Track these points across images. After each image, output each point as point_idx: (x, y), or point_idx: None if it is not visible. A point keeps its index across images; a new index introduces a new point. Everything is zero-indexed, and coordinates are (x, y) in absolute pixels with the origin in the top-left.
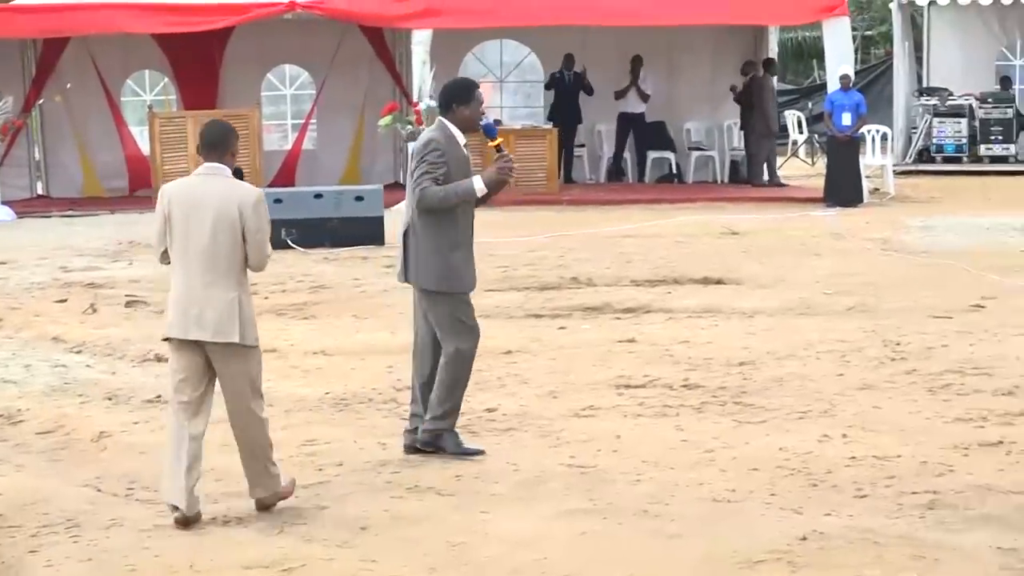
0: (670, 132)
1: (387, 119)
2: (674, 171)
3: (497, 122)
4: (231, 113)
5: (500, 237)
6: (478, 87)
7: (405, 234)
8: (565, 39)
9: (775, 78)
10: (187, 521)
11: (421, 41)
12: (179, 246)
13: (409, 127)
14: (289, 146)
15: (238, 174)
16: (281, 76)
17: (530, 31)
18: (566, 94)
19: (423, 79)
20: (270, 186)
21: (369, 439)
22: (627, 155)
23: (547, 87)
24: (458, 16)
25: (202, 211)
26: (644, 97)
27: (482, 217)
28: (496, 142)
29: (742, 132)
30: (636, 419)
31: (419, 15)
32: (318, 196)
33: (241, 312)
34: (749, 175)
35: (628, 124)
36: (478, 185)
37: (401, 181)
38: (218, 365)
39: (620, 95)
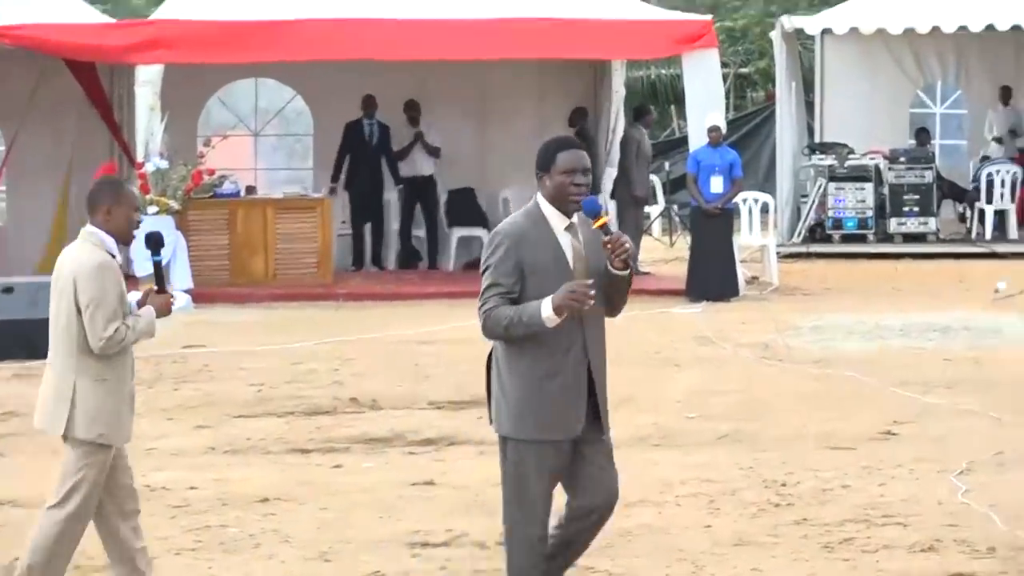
0: (481, 202)
1: None
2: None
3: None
4: None
5: (254, 344)
6: (573, 145)
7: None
8: (344, 77)
9: (646, 132)
10: None
11: (148, 80)
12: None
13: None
14: None
15: (152, 239)
16: None
17: (296, 68)
18: (366, 152)
19: (151, 131)
20: None
21: None
22: (418, 232)
23: (344, 143)
24: (197, 48)
25: (55, 281)
26: (432, 152)
27: (228, 317)
28: (600, 221)
29: None
30: None
31: (145, 46)
32: (7, 291)
33: (74, 398)
34: None
35: (415, 192)
36: (546, 313)
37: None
38: None
39: (402, 154)
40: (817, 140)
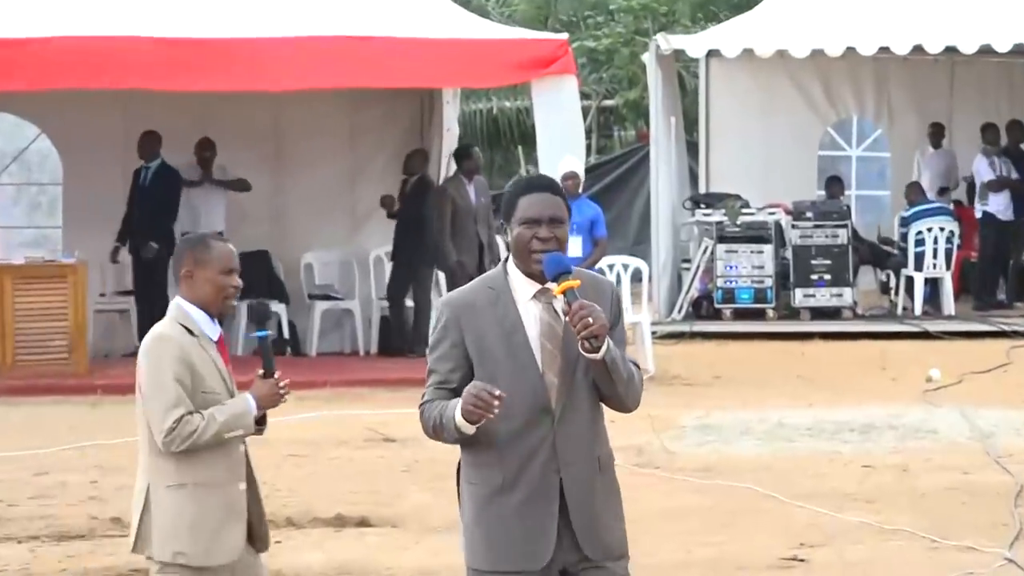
0: (278, 269)
1: None
2: (285, 334)
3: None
4: None
5: None
6: (542, 187)
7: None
8: (103, 112)
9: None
10: None
11: None
12: None
13: None
14: None
15: (254, 311)
16: None
17: (40, 99)
18: (144, 200)
19: None
20: None
21: None
22: None
23: (131, 191)
24: None
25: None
26: (239, 187)
27: None
28: (562, 286)
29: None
30: None
31: None
32: None
33: (146, 507)
34: (414, 340)
35: None
36: (459, 419)
37: None
38: None
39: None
40: (702, 191)
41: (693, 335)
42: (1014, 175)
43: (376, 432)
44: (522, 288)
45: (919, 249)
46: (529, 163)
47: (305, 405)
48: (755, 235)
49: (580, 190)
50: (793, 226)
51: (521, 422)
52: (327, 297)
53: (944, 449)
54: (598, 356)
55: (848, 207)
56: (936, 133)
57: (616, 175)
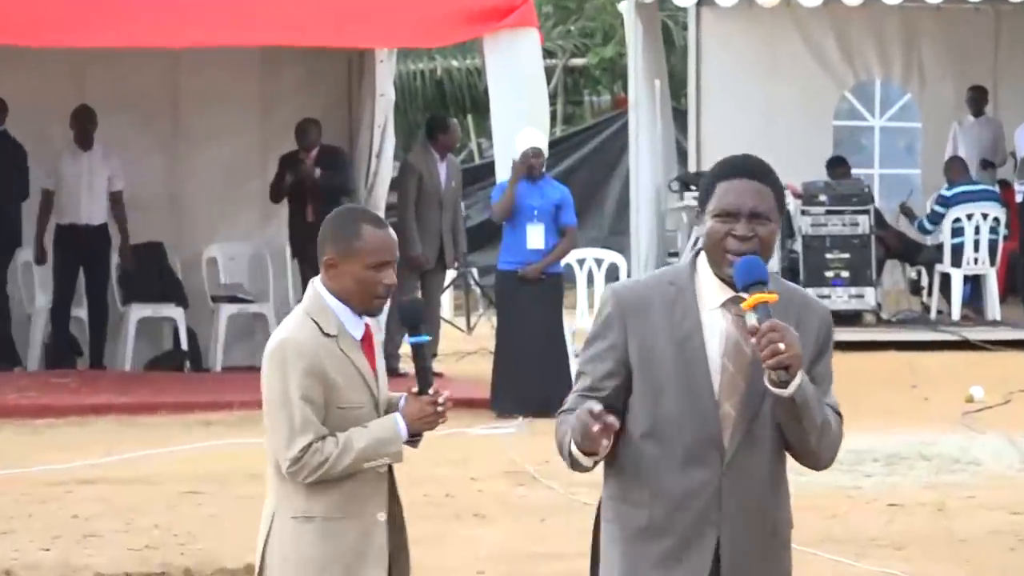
0: (175, 265)
1: None
2: (182, 344)
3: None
4: None
5: None
6: (747, 171)
7: None
8: None
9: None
10: None
11: None
12: None
13: None
14: None
15: (407, 312)
16: None
17: None
18: None
19: None
20: None
21: None
22: (79, 312)
23: None
24: None
25: None
26: (115, 180)
27: None
28: (753, 299)
29: None
30: None
31: None
32: None
33: (268, 538)
34: None
35: (76, 250)
36: (575, 449)
37: None
38: None
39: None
40: (692, 169)
41: None
42: None
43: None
44: (710, 291)
45: (957, 240)
46: (481, 136)
47: (208, 431)
48: None
49: (544, 169)
50: (803, 212)
51: (681, 455)
52: (235, 299)
53: (988, 484)
54: (786, 392)
55: (870, 189)
56: (977, 98)
57: (587, 150)
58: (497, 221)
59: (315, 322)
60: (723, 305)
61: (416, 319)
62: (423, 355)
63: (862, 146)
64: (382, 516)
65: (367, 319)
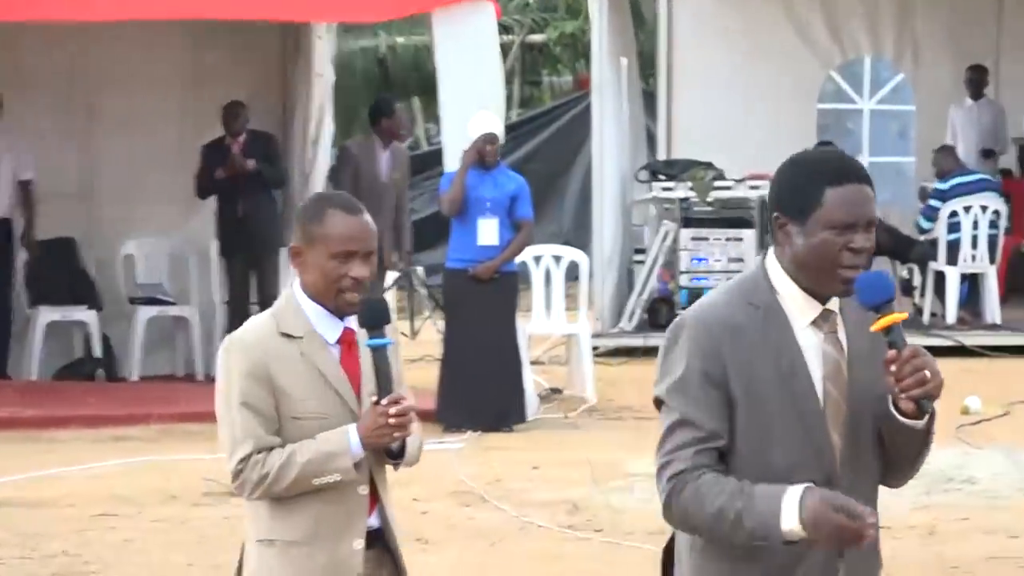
0: (87, 263)
1: None
2: (95, 351)
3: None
4: None
5: None
6: (856, 175)
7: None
8: None
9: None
10: None
11: None
12: None
13: None
14: None
15: (368, 310)
16: None
17: None
18: None
19: None
20: None
21: None
22: None
23: None
24: None
25: None
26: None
27: None
28: (887, 319)
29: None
30: None
31: None
32: None
33: (241, 563)
34: None
35: None
36: (788, 524)
37: None
38: None
39: None
40: (662, 157)
41: (648, 351)
42: None
43: (217, 483)
44: (799, 309)
45: (953, 235)
46: (429, 120)
47: (122, 447)
48: (732, 217)
49: (498, 157)
50: None
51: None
52: (153, 301)
53: (984, 505)
54: (921, 423)
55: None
56: (977, 79)
57: (546, 136)
58: (446, 215)
59: (276, 321)
60: (814, 322)
61: (377, 319)
62: (385, 360)
63: (849, 131)
64: (359, 544)
65: (349, 321)
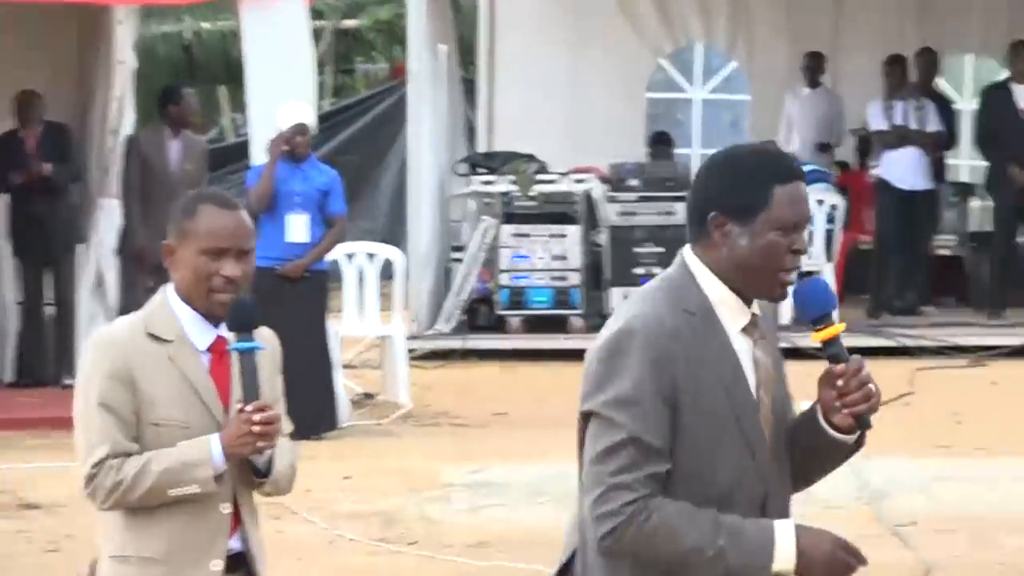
0: None
1: None
2: None
3: None
4: None
5: None
6: (798, 173)
7: None
8: None
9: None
10: None
11: None
12: None
13: None
14: None
15: (237, 312)
16: None
17: None
18: None
19: None
20: None
21: None
22: None
23: None
24: None
25: None
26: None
27: None
28: (829, 330)
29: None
30: None
31: None
32: None
33: None
34: (61, 364)
35: None
36: (783, 544)
37: None
38: None
39: None
40: (482, 150)
41: (466, 354)
42: (932, 126)
43: (14, 496)
44: (731, 314)
45: None
46: (236, 110)
47: None
48: (556, 212)
49: (309, 149)
50: (611, 199)
51: (728, 507)
52: None
53: (821, 515)
54: (852, 438)
55: (685, 171)
56: (813, 66)
57: (360, 126)
58: (253, 211)
59: (145, 321)
60: (744, 328)
61: (245, 321)
62: (252, 365)
63: (679, 122)
64: (216, 565)
65: (222, 330)
